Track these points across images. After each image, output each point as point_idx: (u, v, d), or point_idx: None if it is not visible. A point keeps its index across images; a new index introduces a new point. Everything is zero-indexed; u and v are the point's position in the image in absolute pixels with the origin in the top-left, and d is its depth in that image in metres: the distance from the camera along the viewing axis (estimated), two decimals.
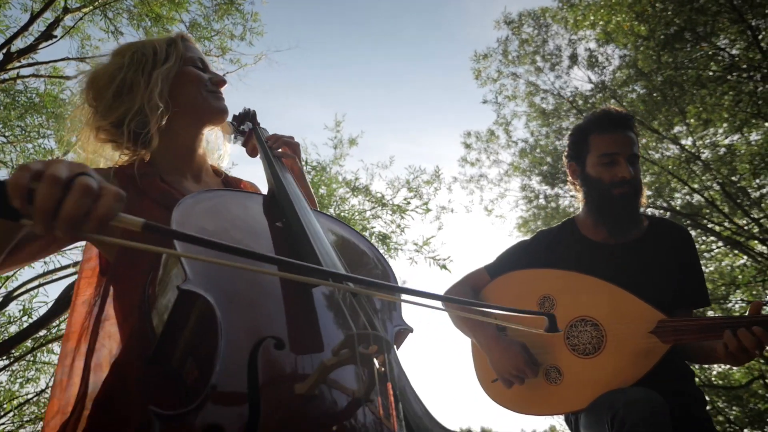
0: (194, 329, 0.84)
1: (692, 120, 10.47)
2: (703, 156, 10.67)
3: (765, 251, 10.35)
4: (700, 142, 10.81)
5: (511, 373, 1.88)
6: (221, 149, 1.52)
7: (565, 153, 2.19)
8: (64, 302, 6.53)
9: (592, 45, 11.34)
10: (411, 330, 1.01)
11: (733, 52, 10.33)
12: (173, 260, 0.92)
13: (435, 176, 8.27)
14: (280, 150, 1.45)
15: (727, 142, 10.76)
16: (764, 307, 1.62)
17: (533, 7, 11.81)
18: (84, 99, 1.32)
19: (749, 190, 10.54)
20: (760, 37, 9.46)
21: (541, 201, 12.73)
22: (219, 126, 1.44)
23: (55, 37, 7.72)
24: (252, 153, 1.55)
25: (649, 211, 10.51)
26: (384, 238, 7.23)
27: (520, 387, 1.91)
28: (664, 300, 1.83)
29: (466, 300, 0.87)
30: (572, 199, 12.66)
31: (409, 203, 6.81)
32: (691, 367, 1.95)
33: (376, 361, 0.71)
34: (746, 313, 1.62)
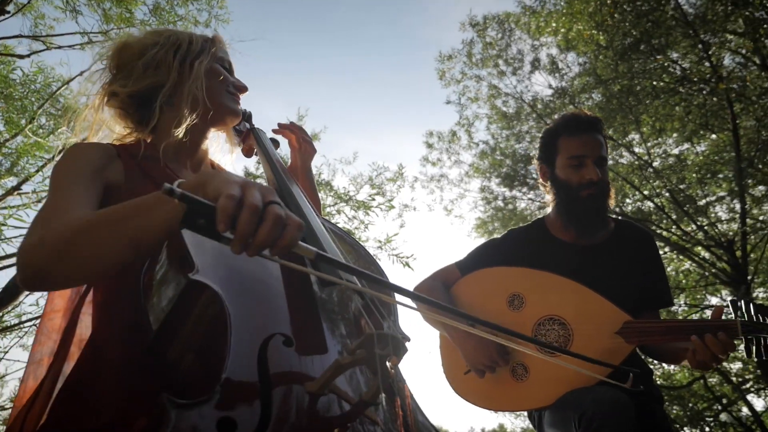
0: (199, 321, 0.84)
1: (646, 129, 10.88)
2: (655, 164, 11.12)
3: (708, 257, 10.86)
4: (653, 151, 11.25)
5: (484, 363, 1.91)
6: (225, 153, 1.52)
7: (536, 155, 2.24)
8: (10, 291, 6.25)
9: (554, 51, 11.64)
10: (409, 340, 1.04)
11: (685, 65, 10.79)
12: (179, 249, 0.91)
13: (398, 174, 8.33)
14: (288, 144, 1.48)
15: (677, 151, 11.24)
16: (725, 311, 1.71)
17: (497, 11, 12.01)
18: (107, 64, 1.32)
19: (696, 198, 11.04)
20: (710, 52, 9.90)
21: (500, 203, 12.98)
22: (225, 129, 1.45)
23: (8, 12, 7.36)
24: (247, 153, 1.55)
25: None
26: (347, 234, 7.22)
27: (487, 383, 1.96)
28: (630, 301, 1.90)
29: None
30: (529, 201, 12.96)
31: (373, 200, 6.85)
32: (649, 365, 2.05)
33: (389, 364, 0.73)
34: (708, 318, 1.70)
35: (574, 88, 11.26)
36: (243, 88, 1.42)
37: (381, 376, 0.74)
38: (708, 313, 9.16)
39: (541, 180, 2.22)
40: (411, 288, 2.22)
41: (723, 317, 1.69)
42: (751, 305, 1.68)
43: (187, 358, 0.84)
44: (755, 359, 1.63)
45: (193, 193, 0.73)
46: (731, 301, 1.74)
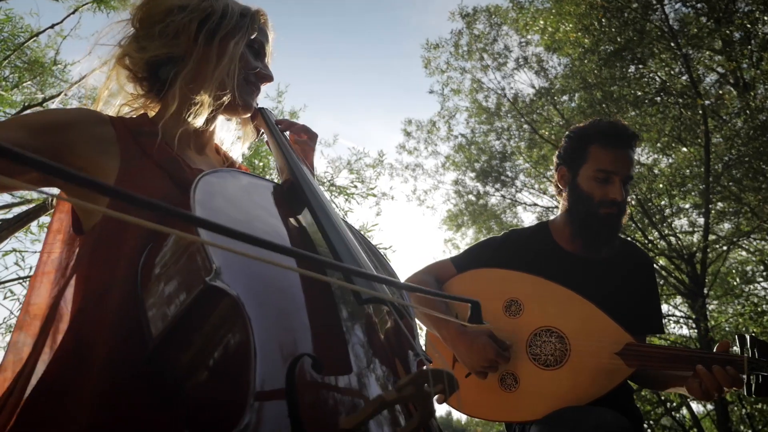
0: (215, 334, 0.73)
1: None
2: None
3: (665, 265, 11.14)
4: None
5: (483, 365, 1.82)
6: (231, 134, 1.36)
7: (558, 153, 2.12)
8: None
9: (540, 50, 11.65)
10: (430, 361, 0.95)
11: (664, 77, 10.96)
12: (192, 244, 0.79)
13: (378, 161, 8.18)
14: (295, 137, 1.33)
15: (650, 161, 11.45)
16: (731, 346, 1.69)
17: (487, 3, 11.94)
18: (132, 16, 1.16)
19: (663, 208, 11.30)
20: (690, 66, 10.08)
21: (472, 197, 13.02)
22: (233, 117, 1.31)
23: None
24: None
25: None
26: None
27: (472, 388, 1.89)
28: (622, 322, 1.86)
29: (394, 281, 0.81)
30: (501, 198, 13.05)
31: (356, 186, 6.71)
32: (630, 384, 2.01)
33: (434, 402, 0.64)
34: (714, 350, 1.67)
35: (556, 90, 11.32)
36: (267, 78, 1.25)
37: (424, 415, 0.65)
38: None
39: (557, 183, 2.11)
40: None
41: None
42: (756, 342, 1.66)
43: (198, 377, 0.73)
44: (753, 396, 1.60)
45: None
46: (738, 336, 1.71)
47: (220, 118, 1.27)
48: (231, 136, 1.36)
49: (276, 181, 1.17)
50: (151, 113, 1.21)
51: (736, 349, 1.68)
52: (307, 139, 1.35)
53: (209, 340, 0.73)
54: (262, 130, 1.35)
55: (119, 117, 1.14)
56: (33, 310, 1.03)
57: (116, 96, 1.20)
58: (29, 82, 6.18)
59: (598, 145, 1.95)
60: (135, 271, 0.87)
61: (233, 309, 0.70)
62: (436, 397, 0.66)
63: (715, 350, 1.66)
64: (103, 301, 0.89)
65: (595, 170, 1.94)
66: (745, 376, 1.59)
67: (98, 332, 0.85)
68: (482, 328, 1.90)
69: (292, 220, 1.00)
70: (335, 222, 0.98)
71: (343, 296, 0.90)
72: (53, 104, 6.04)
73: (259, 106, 1.39)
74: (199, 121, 1.14)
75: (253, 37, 1.21)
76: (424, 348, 2.01)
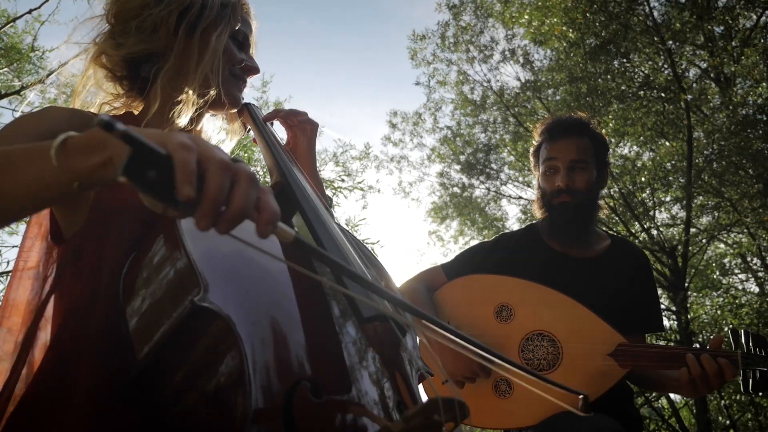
0: (205, 359, 0.69)
1: (606, 130, 11.09)
2: (613, 166, 11.37)
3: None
4: (612, 152, 11.50)
5: (464, 374, 1.82)
6: (224, 137, 1.30)
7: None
8: None
9: (525, 42, 11.64)
10: (432, 374, 0.91)
11: (647, 71, 11.04)
12: (177, 253, 0.74)
13: (365, 153, 8.09)
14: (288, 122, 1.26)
15: (633, 154, 11.54)
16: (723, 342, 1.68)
17: None
18: (105, 10, 1.09)
19: (645, 201, 11.41)
20: (673, 60, 10.15)
21: (456, 189, 13.01)
22: (220, 113, 1.24)
23: None
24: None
25: None
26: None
27: (466, 395, 1.88)
28: (617, 321, 1.84)
29: (500, 355, 0.77)
30: (486, 190, 13.07)
31: (343, 180, 6.62)
32: (630, 386, 2.01)
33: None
34: (707, 346, 1.66)
35: (541, 83, 11.33)
36: (253, 70, 1.19)
37: None
38: None
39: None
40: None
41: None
42: (750, 336, 1.65)
43: (187, 403, 0.68)
44: (752, 393, 1.59)
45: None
46: (731, 330, 1.71)
47: (207, 115, 1.22)
48: (217, 133, 1.30)
49: (266, 182, 1.11)
50: (136, 112, 1.15)
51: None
52: (308, 132, 1.29)
53: (198, 363, 0.69)
54: (249, 127, 1.29)
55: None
56: (8, 325, 0.97)
57: (95, 96, 1.14)
58: (6, 69, 5.99)
59: (546, 142, 2.03)
60: (117, 284, 0.82)
61: (224, 331, 0.66)
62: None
63: (708, 347, 1.65)
64: (86, 317, 0.84)
65: (543, 164, 2.00)
66: (741, 372, 1.58)
67: (81, 351, 0.80)
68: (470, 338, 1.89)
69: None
70: (329, 228, 0.93)
71: (339, 309, 0.85)
72: (31, 93, 5.88)
73: (244, 101, 1.33)
74: (183, 120, 1.09)
75: (236, 28, 1.15)
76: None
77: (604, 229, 2.35)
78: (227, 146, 1.30)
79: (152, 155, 0.51)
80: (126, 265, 0.84)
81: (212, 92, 1.09)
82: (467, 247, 2.23)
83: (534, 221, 2.21)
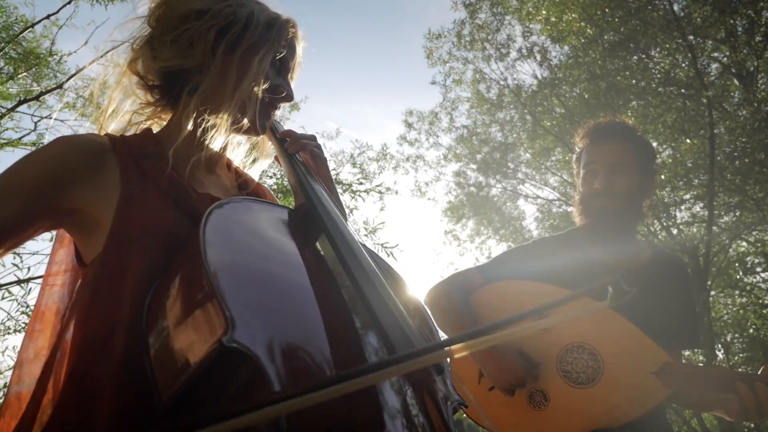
0: (234, 400, 0.63)
1: None
2: None
3: None
4: None
5: (511, 383, 1.74)
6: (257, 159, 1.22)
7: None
8: None
9: (543, 39, 11.50)
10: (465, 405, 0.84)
11: (667, 67, 10.85)
12: (203, 286, 0.69)
13: (382, 155, 8.00)
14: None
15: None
16: None
17: None
18: (150, 13, 1.03)
19: (666, 200, 11.23)
20: (694, 55, 9.96)
21: (473, 189, 12.92)
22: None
23: None
24: None
25: None
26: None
27: (498, 404, 1.81)
28: (656, 337, 1.76)
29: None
30: (503, 190, 12.96)
31: (361, 183, 6.56)
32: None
33: None
34: (759, 372, 1.58)
35: (558, 80, 11.18)
36: (288, 98, 1.10)
37: None
38: None
39: None
40: (426, 289, 2.05)
41: None
42: None
43: None
44: None
45: None
46: None
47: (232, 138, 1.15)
48: (242, 153, 1.23)
49: (290, 205, 1.06)
50: (157, 127, 1.08)
51: None
52: (318, 157, 1.17)
53: (228, 406, 0.63)
54: (271, 144, 1.22)
55: (121, 136, 1.01)
56: (35, 352, 0.92)
57: (126, 101, 1.09)
58: (24, 74, 6.01)
59: (587, 146, 1.96)
60: (140, 312, 0.77)
61: (254, 372, 0.60)
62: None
63: (760, 372, 1.57)
64: (107, 348, 0.78)
65: (583, 168, 1.95)
66: None
67: (102, 385, 0.74)
68: (513, 344, 1.81)
69: (309, 250, 0.90)
70: (355, 250, 0.86)
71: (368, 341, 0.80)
72: (50, 98, 5.90)
73: None
74: (216, 146, 1.02)
75: (279, 54, 1.06)
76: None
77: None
78: (257, 169, 1.23)
79: None
80: (149, 297, 0.78)
81: (246, 120, 1.02)
82: (504, 250, 2.16)
83: (571, 226, 2.13)
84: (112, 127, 1.07)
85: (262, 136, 1.17)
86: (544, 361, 1.76)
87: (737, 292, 11.71)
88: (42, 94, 5.16)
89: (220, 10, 1.01)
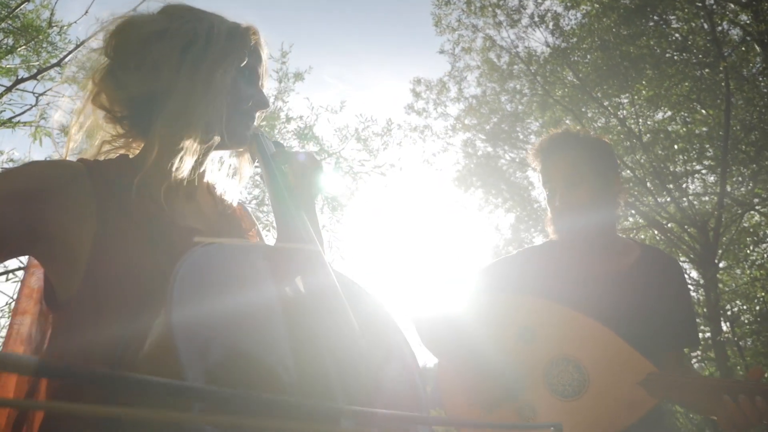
0: None
1: (637, 97, 10.66)
2: (645, 138, 10.96)
3: (677, 230, 10.95)
4: (643, 123, 11.09)
5: (487, 402, 1.75)
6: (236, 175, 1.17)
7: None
8: None
9: (555, 5, 11.15)
10: None
11: (685, 33, 10.50)
12: (170, 361, 0.67)
13: (387, 130, 7.81)
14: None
15: (666, 119, 11.09)
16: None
17: None
18: (105, 44, 1.00)
19: (675, 170, 11.03)
20: (712, 20, 9.61)
21: (481, 159, 12.78)
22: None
23: None
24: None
25: None
26: (333, 202, 6.79)
27: (492, 419, 1.81)
28: (651, 338, 1.74)
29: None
30: (511, 161, 12.81)
31: (363, 165, 6.47)
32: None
33: None
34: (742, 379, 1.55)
35: (571, 47, 10.87)
36: (262, 105, 1.07)
37: None
38: None
39: None
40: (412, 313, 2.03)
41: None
42: None
43: None
44: None
45: None
46: None
47: (210, 156, 1.11)
48: (223, 171, 1.18)
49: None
50: (132, 155, 1.05)
51: None
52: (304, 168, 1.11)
53: None
54: (256, 158, 1.17)
55: (96, 162, 0.97)
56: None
57: (93, 136, 1.05)
58: (25, 47, 5.93)
59: (541, 166, 1.93)
60: (112, 361, 0.75)
61: None
62: None
63: (746, 378, 1.55)
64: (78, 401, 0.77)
65: (543, 187, 1.92)
66: None
67: None
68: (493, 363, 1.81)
69: (288, 289, 0.87)
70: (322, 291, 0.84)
71: None
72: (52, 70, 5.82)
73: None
74: (184, 171, 0.97)
75: (243, 63, 1.02)
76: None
77: (632, 211, 2.19)
78: (236, 186, 1.18)
79: None
80: (121, 348, 0.77)
81: (216, 138, 0.99)
82: (490, 263, 2.12)
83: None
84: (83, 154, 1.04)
85: (244, 153, 1.13)
86: (530, 374, 1.75)
87: (746, 263, 11.60)
88: (40, 72, 5.10)
89: (179, 27, 0.98)
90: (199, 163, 1.03)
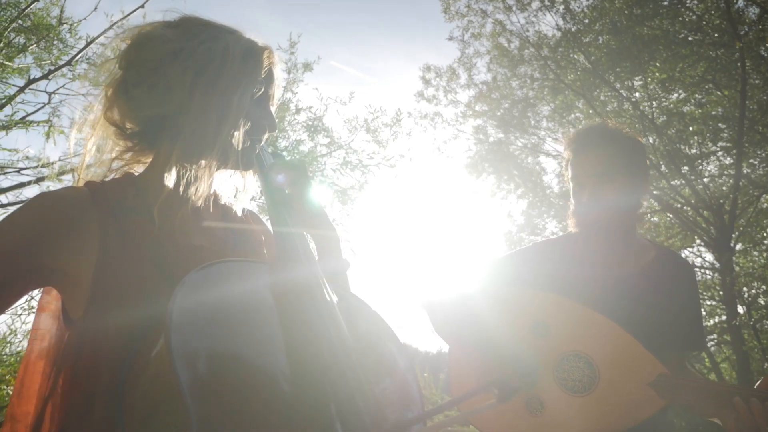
0: None
1: (651, 79, 10.50)
2: (656, 117, 10.80)
3: (690, 214, 10.82)
4: (656, 105, 10.93)
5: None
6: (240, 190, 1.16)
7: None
8: None
9: None
10: None
11: (700, 12, 10.29)
12: (170, 378, 0.69)
13: (396, 120, 7.75)
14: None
15: (680, 99, 10.91)
16: None
17: None
18: (121, 57, 1.00)
19: (690, 152, 10.88)
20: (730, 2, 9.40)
21: (493, 145, 12.69)
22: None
23: None
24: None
25: None
26: (342, 193, 6.81)
27: (498, 411, 1.83)
28: (659, 339, 1.74)
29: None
30: (523, 147, 12.70)
31: (372, 158, 6.45)
32: None
33: None
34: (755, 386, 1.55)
35: (582, 31, 10.71)
36: (271, 128, 1.07)
37: None
38: None
39: None
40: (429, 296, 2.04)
41: None
42: None
43: None
44: None
45: None
46: None
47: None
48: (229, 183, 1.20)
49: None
50: (139, 170, 1.06)
51: None
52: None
53: None
54: (255, 174, 1.17)
55: (101, 186, 0.99)
56: (18, 415, 0.94)
57: (103, 150, 1.06)
58: (35, 46, 5.96)
59: (572, 159, 1.91)
60: (116, 386, 0.77)
61: None
62: None
63: (756, 386, 1.55)
64: (85, 422, 0.80)
65: (571, 180, 1.90)
66: None
67: None
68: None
69: (287, 309, 0.89)
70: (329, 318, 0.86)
71: None
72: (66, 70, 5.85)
73: None
74: (202, 197, 0.99)
75: (259, 91, 1.02)
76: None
77: (645, 195, 2.13)
78: (241, 200, 1.19)
79: None
80: (126, 366, 0.79)
81: (230, 163, 1.00)
82: (505, 254, 2.13)
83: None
84: (93, 172, 1.05)
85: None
86: (541, 368, 1.76)
87: (763, 246, 11.46)
88: (51, 72, 5.14)
89: (194, 48, 0.97)
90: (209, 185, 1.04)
